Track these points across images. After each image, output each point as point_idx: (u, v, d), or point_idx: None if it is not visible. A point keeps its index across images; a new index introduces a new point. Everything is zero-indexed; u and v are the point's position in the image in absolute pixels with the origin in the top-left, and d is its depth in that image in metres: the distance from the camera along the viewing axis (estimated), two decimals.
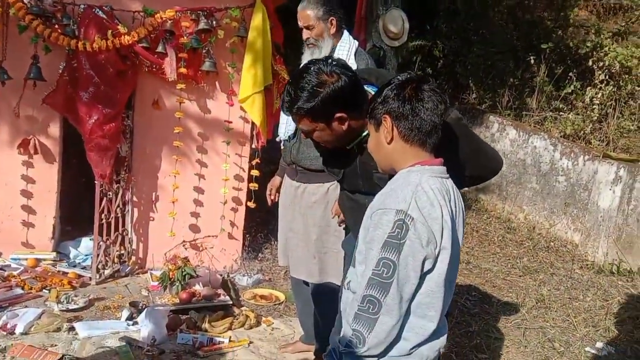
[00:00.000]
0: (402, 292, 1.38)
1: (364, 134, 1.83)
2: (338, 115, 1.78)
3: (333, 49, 2.74)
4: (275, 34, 3.96)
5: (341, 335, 1.46)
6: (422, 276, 1.41)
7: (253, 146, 4.05)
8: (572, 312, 3.96)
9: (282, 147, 2.99)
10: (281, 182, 3.05)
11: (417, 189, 1.42)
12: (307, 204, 2.78)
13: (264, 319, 3.46)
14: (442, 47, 7.42)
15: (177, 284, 3.35)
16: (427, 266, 1.41)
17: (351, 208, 2.12)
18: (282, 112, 2.92)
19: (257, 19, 3.78)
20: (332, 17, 2.70)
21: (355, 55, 2.74)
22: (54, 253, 3.91)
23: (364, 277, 1.41)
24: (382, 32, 4.51)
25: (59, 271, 3.78)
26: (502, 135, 6.54)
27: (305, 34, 2.74)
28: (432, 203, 1.41)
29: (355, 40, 2.85)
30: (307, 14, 2.70)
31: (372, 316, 1.38)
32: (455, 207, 1.51)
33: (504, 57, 7.63)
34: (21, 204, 3.79)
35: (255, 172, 3.98)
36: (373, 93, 1.83)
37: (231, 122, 4.00)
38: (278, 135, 2.99)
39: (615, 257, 4.97)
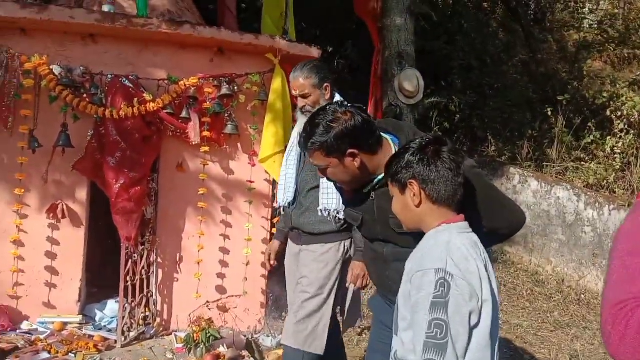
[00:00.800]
0: (456, 350, 1.38)
1: (378, 177, 1.88)
2: (350, 151, 1.83)
3: None
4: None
5: None
6: (470, 331, 1.42)
7: (275, 205, 4.10)
8: None
9: (282, 213, 2.97)
10: (280, 246, 3.00)
11: (450, 247, 1.47)
12: (304, 263, 2.74)
13: None
14: (457, 102, 7.53)
15: (201, 346, 3.33)
16: (474, 320, 1.43)
17: (372, 259, 2.13)
18: (280, 179, 2.93)
19: (277, 83, 3.92)
20: (326, 84, 2.71)
21: None
22: (80, 316, 3.93)
23: (418, 342, 1.40)
24: (397, 91, 4.62)
25: (85, 334, 3.79)
26: (524, 187, 6.51)
27: (301, 102, 2.73)
28: (466, 258, 1.46)
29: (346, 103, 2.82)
30: (303, 83, 2.70)
31: None
32: (485, 259, 1.54)
33: (520, 109, 7.71)
34: (48, 268, 3.85)
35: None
36: (390, 139, 1.90)
37: (253, 182, 4.07)
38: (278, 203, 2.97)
39: None
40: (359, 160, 1.85)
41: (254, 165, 4.08)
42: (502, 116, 7.58)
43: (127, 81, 3.74)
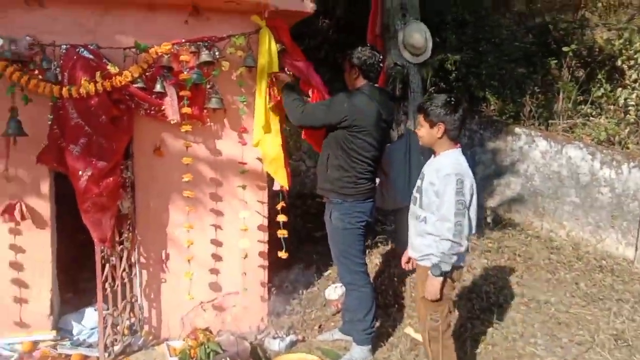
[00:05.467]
0: (469, 213, 2.64)
1: None
2: None
3: None
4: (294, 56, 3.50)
5: None
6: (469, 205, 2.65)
7: (277, 188, 3.55)
8: None
9: None
10: None
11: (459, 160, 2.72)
12: None
13: None
14: (453, 60, 6.96)
15: None
16: (471, 200, 2.66)
17: None
18: None
19: (264, 45, 3.34)
20: None
21: None
22: (54, 332, 3.38)
23: (450, 213, 2.58)
24: (402, 48, 4.04)
25: (60, 354, 3.24)
26: (531, 147, 6.05)
27: None
28: (467, 167, 2.70)
29: None
30: None
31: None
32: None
33: (519, 64, 7.19)
34: (10, 280, 3.27)
35: (282, 218, 3.47)
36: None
37: (245, 164, 3.51)
38: None
39: None
40: None
41: (244, 143, 3.51)
42: (500, 72, 7.05)
43: (86, 52, 3.10)
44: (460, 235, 2.56)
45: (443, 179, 2.61)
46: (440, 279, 2.64)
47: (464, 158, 2.74)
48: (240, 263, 3.59)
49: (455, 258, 2.62)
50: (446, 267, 2.61)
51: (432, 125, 2.70)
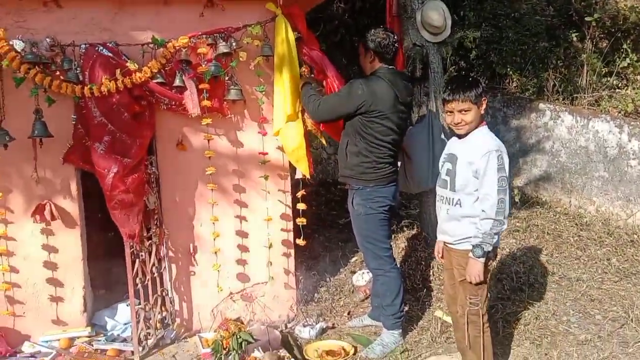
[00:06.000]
0: (509, 190, 2.56)
1: None
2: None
3: None
4: (309, 44, 3.47)
5: None
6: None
7: (299, 176, 3.55)
8: None
9: None
10: None
11: (494, 137, 2.68)
12: None
13: None
14: (472, 37, 6.83)
15: (232, 353, 2.84)
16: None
17: None
18: None
19: (281, 33, 3.31)
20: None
21: None
22: (89, 328, 3.45)
23: (492, 191, 2.53)
24: (420, 28, 3.97)
25: (96, 350, 3.30)
26: (556, 123, 5.92)
27: None
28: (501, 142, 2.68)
29: None
30: None
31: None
32: None
33: (541, 38, 7.02)
34: (45, 278, 3.34)
35: (301, 206, 3.47)
36: None
37: (266, 154, 3.51)
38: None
39: None
40: None
41: (265, 134, 3.51)
42: (521, 48, 6.90)
43: (105, 50, 3.12)
44: (503, 214, 2.53)
45: (483, 157, 2.55)
46: (483, 259, 2.58)
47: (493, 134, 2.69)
48: (266, 253, 3.61)
49: (496, 238, 2.58)
50: (488, 247, 2.56)
51: (479, 105, 2.64)
